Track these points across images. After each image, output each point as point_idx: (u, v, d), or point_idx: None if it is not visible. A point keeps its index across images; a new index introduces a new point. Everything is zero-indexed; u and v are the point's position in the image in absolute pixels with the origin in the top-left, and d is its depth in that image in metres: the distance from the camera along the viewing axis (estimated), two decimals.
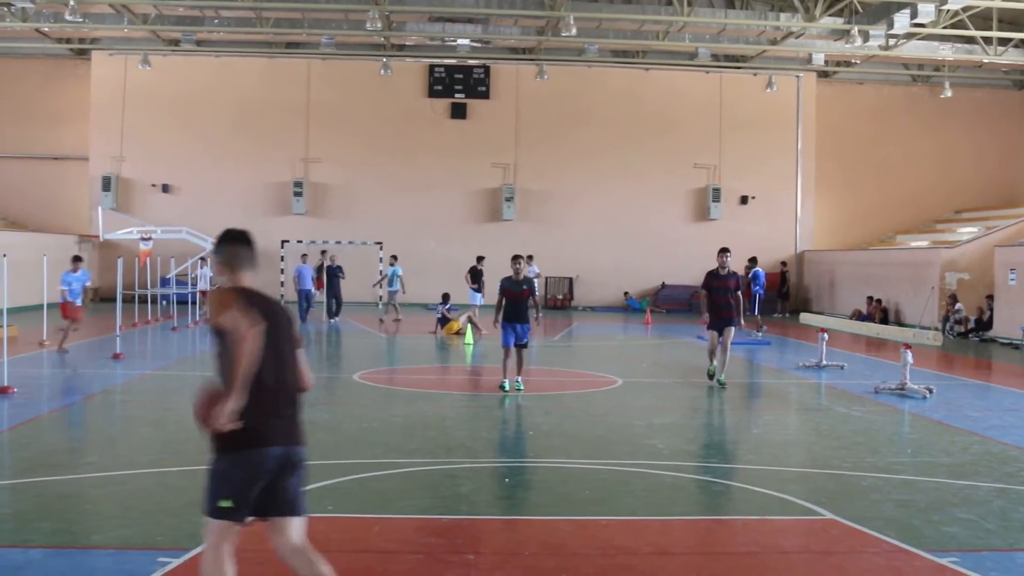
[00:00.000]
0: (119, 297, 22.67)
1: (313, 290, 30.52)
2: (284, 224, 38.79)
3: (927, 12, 27.84)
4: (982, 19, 32.08)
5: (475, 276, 28.18)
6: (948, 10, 28.94)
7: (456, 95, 39.70)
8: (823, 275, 39.52)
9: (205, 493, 5.44)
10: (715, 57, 39.46)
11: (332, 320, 29.96)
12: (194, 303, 29.47)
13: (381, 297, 30.78)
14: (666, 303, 39.13)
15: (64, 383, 16.68)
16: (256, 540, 7.69)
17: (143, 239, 32.68)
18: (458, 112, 39.77)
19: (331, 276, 30.37)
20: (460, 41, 37.92)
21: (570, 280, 39.84)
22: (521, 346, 15.88)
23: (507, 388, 15.66)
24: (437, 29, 36.39)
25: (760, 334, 27.25)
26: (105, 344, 21.44)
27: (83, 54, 39.27)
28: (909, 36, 33.02)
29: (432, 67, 39.66)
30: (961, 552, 7.64)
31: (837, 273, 38.31)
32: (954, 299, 29.69)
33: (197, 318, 28.73)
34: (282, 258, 38.11)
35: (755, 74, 40.43)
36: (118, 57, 38.59)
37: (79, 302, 21.00)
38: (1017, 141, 41.83)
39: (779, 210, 40.71)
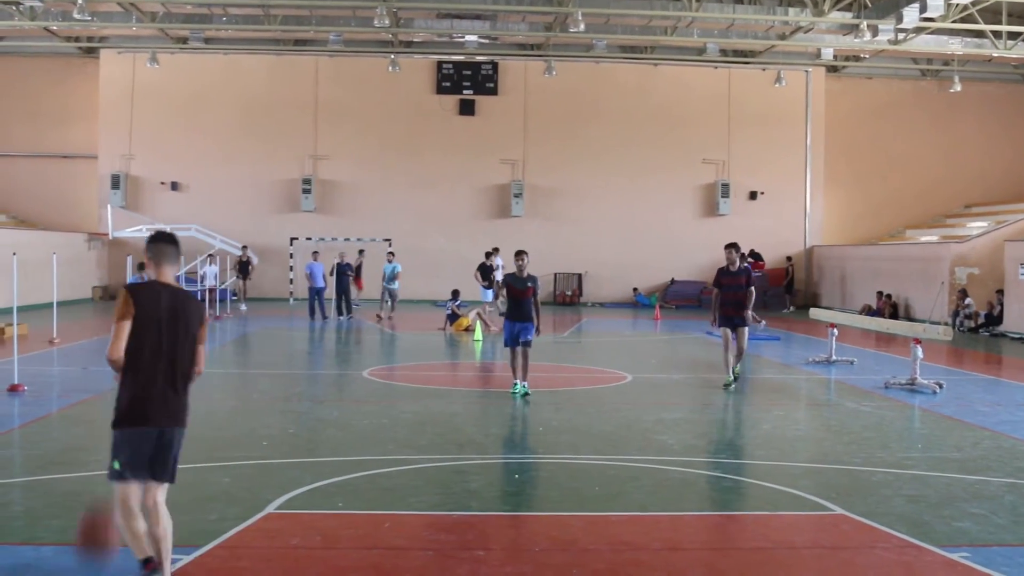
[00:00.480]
0: None
1: (324, 286, 30.35)
2: (293, 221, 38.86)
3: (936, 6, 27.73)
4: (991, 13, 31.95)
5: (485, 273, 28.17)
6: (957, 4, 28.84)
7: (464, 91, 39.70)
8: (832, 270, 39.44)
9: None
10: (724, 52, 39.37)
11: (341, 318, 29.93)
12: (203, 300, 29.44)
13: (382, 294, 30.50)
14: (675, 299, 39.09)
15: (74, 381, 16.71)
16: (264, 537, 7.73)
17: None
18: (466, 108, 39.77)
19: (340, 274, 30.29)
20: (468, 37, 37.88)
21: (579, 276, 39.82)
22: (524, 344, 15.17)
23: (516, 391, 15.03)
24: (445, 25, 36.37)
25: (761, 326, 27.12)
26: None
27: (92, 52, 39.32)
28: (918, 30, 32.94)
29: (440, 63, 39.66)
30: (972, 547, 7.62)
31: (846, 268, 38.23)
32: (964, 294, 29.61)
33: (207, 315, 28.71)
34: (291, 255, 38.17)
35: (764, 69, 40.37)
36: (126, 55, 38.66)
37: None
38: None
39: (788, 205, 40.63)
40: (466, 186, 39.87)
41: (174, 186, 38.92)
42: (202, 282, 31.87)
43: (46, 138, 39.52)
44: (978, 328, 28.70)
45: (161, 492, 6.38)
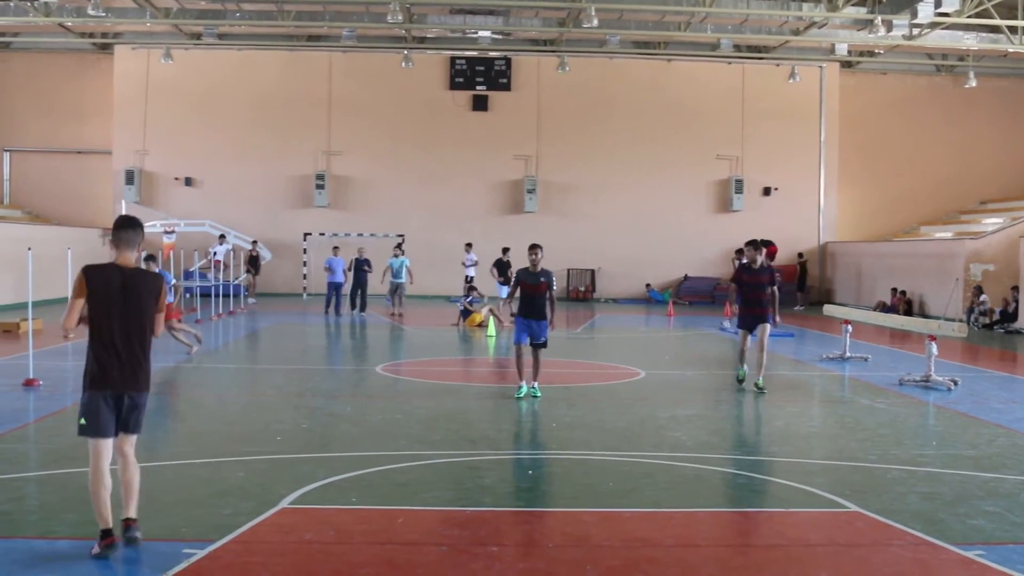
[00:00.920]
0: None
1: (343, 282, 30.21)
2: (306, 217, 38.90)
3: (951, 1, 27.66)
4: (1007, 8, 31.79)
5: (501, 269, 28.15)
6: None
7: (478, 87, 39.67)
8: (846, 267, 39.34)
9: None
10: (737, 48, 39.27)
11: (355, 312, 29.88)
12: (217, 296, 29.51)
13: (391, 290, 30.15)
14: (688, 295, 39.04)
15: None
16: (278, 532, 7.75)
17: (166, 232, 32.81)
18: (480, 104, 39.75)
19: (359, 269, 30.21)
20: (481, 33, 37.89)
21: (592, 272, 39.79)
22: (538, 345, 14.50)
23: (523, 395, 14.36)
24: (458, 21, 36.36)
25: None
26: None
27: (106, 48, 39.44)
28: (933, 25, 32.74)
29: (453, 59, 39.64)
30: (987, 545, 7.59)
31: (861, 265, 38.13)
32: (979, 290, 29.50)
33: (220, 311, 28.82)
34: (304, 251, 38.22)
35: (778, 64, 40.25)
36: (140, 51, 38.74)
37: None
38: None
39: (802, 201, 40.51)
40: (479, 182, 39.85)
41: (188, 182, 38.99)
42: (213, 257, 32.06)
43: (61, 134, 39.65)
44: (993, 325, 28.59)
45: (129, 444, 7.28)
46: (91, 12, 30.95)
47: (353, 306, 30.08)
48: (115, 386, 7.10)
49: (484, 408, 13.92)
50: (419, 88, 39.53)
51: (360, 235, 37.31)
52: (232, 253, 33.83)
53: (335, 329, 26.65)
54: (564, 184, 39.90)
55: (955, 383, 15.98)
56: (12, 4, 32.97)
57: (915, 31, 33.13)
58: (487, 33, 37.86)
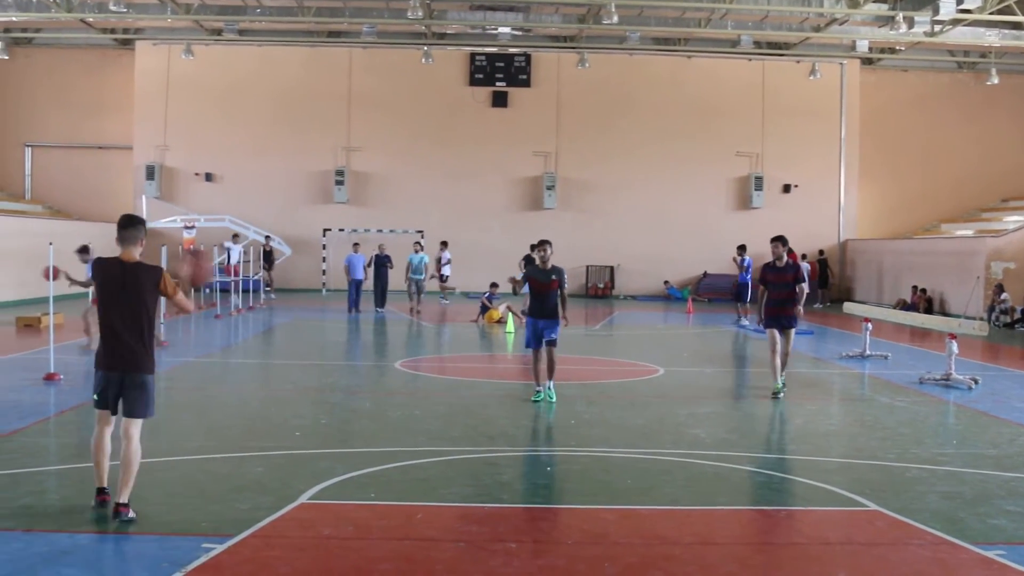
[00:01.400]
0: None
1: (363, 278, 30.05)
2: (326, 212, 38.98)
3: None
4: None
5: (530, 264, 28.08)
6: None
7: (497, 83, 39.65)
8: (867, 264, 39.18)
9: None
10: (758, 44, 39.15)
11: (379, 310, 29.72)
12: (236, 292, 29.60)
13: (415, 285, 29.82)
14: (707, 292, 38.95)
15: None
16: (296, 527, 7.77)
17: (186, 227, 32.95)
18: (499, 100, 39.74)
19: (379, 266, 30.08)
20: (501, 29, 37.87)
21: (611, 269, 39.75)
22: (549, 343, 13.80)
23: (539, 399, 13.76)
24: (478, 17, 36.34)
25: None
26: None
27: (127, 44, 39.60)
28: (955, 22, 32.59)
29: (473, 55, 39.64)
30: (1008, 545, 7.55)
31: (881, 262, 37.96)
32: (1000, 288, 29.33)
33: (240, 306, 28.89)
34: (324, 246, 38.30)
35: (798, 61, 40.09)
36: (161, 47, 38.87)
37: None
38: None
39: (822, 199, 40.37)
40: (498, 178, 39.84)
41: (208, 177, 39.11)
42: (228, 258, 32.09)
43: (82, 129, 39.83)
44: (1014, 323, 28.42)
45: (134, 426, 7.85)
46: (112, 8, 31.05)
47: (378, 303, 29.87)
48: (116, 367, 7.82)
49: (502, 404, 13.91)
50: (439, 84, 39.54)
51: (379, 231, 37.38)
52: (243, 252, 33.78)
53: (354, 325, 26.68)
54: (583, 180, 39.85)
55: (976, 382, 15.90)
56: (35, 0, 33.11)
57: (937, 28, 32.94)
58: (507, 29, 37.84)
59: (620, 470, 10.03)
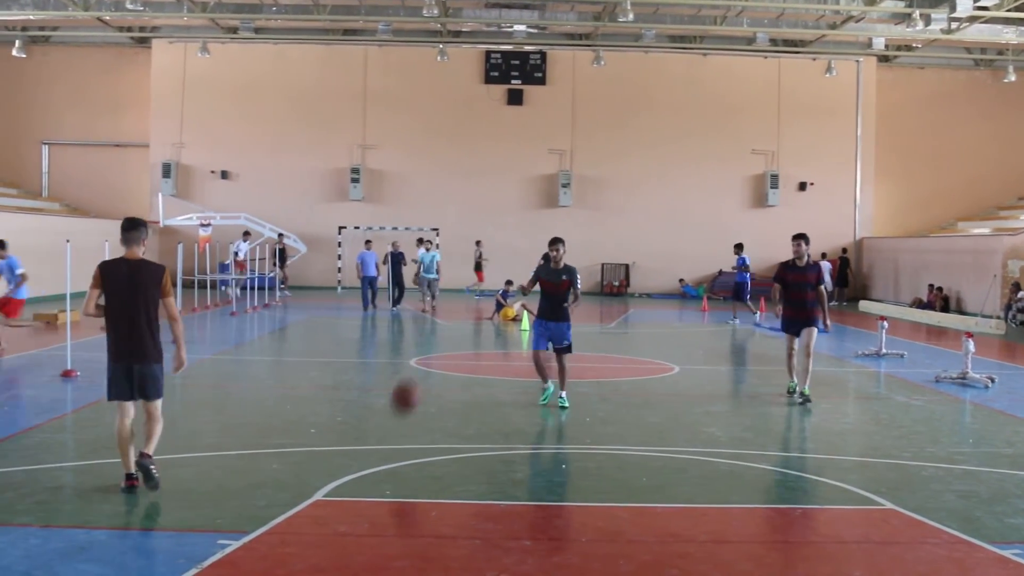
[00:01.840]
0: (179, 283, 22.95)
1: (378, 276, 30.00)
2: (341, 210, 39.05)
3: None
4: None
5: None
6: None
7: (512, 81, 39.64)
8: (883, 262, 39.04)
9: None
10: (773, 42, 39.01)
11: (395, 308, 29.57)
12: (253, 288, 29.66)
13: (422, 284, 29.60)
14: (723, 290, 38.78)
15: None
16: (312, 524, 7.79)
17: (202, 225, 33.01)
18: (514, 98, 39.72)
19: (394, 263, 30.01)
20: (516, 27, 37.87)
21: (626, 267, 39.71)
22: (561, 350, 13.20)
23: (547, 400, 13.32)
24: (494, 15, 36.36)
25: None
26: (165, 329, 21.66)
27: (143, 42, 39.73)
28: (972, 19, 32.47)
29: (489, 53, 39.64)
30: None
31: (897, 260, 37.82)
32: (1017, 287, 29.19)
33: (256, 303, 28.96)
34: (339, 244, 38.37)
35: (814, 59, 39.98)
36: (178, 45, 38.99)
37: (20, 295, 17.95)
38: None
39: (838, 196, 40.23)
40: (514, 176, 39.83)
41: (224, 175, 39.23)
42: (235, 256, 32.17)
43: (98, 127, 39.99)
44: None
45: (153, 407, 8.67)
46: (129, 6, 31.20)
47: (393, 301, 29.79)
48: (125, 358, 8.52)
49: (517, 402, 13.89)
50: (454, 82, 39.55)
51: (395, 228, 37.43)
52: (252, 249, 33.81)
53: (369, 323, 26.72)
54: (598, 178, 39.82)
55: (992, 380, 15.84)
56: None
57: (954, 25, 32.84)
58: (522, 27, 37.84)
59: (635, 468, 10.03)
